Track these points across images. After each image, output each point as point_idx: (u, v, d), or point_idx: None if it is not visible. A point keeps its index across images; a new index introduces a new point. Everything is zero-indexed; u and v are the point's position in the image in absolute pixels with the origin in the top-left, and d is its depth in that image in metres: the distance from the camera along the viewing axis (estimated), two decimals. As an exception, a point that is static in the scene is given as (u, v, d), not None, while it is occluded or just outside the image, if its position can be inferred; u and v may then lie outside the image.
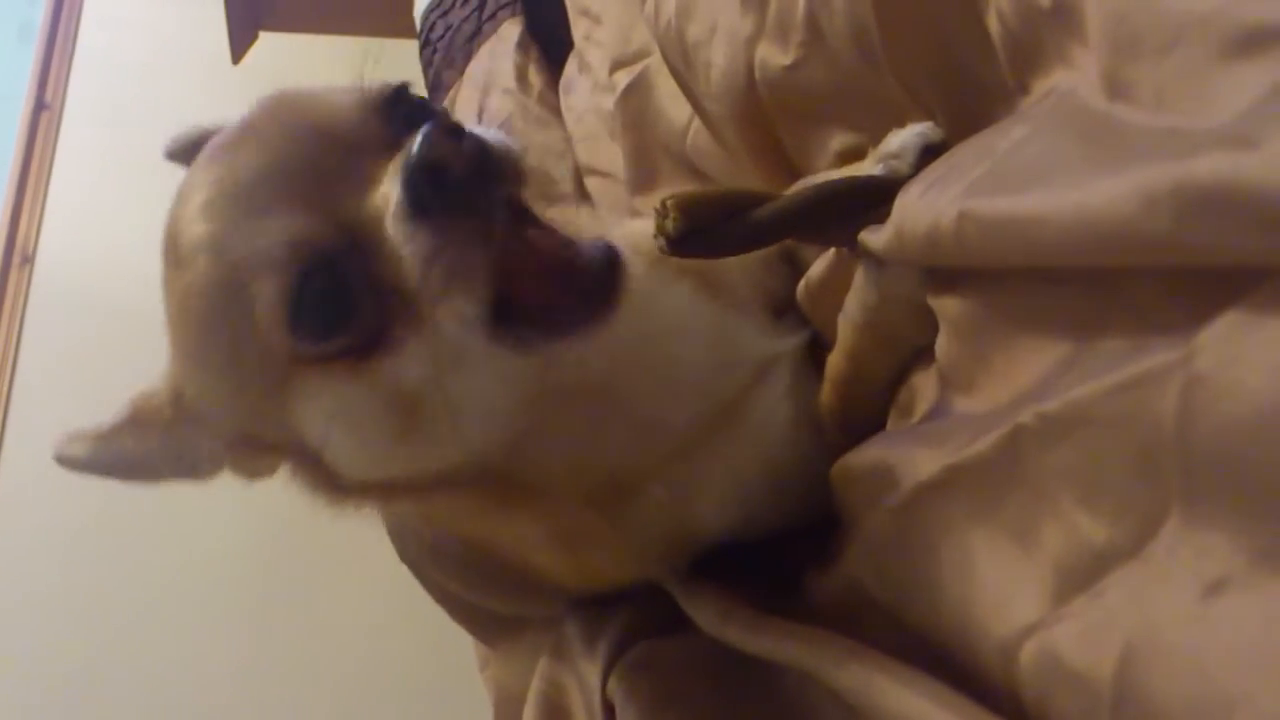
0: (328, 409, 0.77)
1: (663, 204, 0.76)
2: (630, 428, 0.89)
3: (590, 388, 0.84)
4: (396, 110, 0.78)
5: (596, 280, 0.74)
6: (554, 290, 0.74)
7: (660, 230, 0.76)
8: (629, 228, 1.02)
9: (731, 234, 0.78)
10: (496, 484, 0.86)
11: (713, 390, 0.92)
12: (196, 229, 0.75)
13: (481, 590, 1.19)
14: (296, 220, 0.72)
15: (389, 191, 0.71)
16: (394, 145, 0.73)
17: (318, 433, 0.79)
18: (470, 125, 0.73)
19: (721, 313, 0.94)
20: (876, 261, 0.77)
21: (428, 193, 0.69)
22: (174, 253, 0.77)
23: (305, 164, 0.74)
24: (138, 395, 0.87)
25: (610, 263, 0.74)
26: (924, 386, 0.77)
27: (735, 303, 0.97)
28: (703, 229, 0.76)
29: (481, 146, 0.71)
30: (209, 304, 0.76)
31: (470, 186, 0.70)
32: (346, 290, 0.72)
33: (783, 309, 0.99)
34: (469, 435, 0.79)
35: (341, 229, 0.72)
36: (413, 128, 0.72)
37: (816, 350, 0.94)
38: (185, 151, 0.90)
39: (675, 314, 0.91)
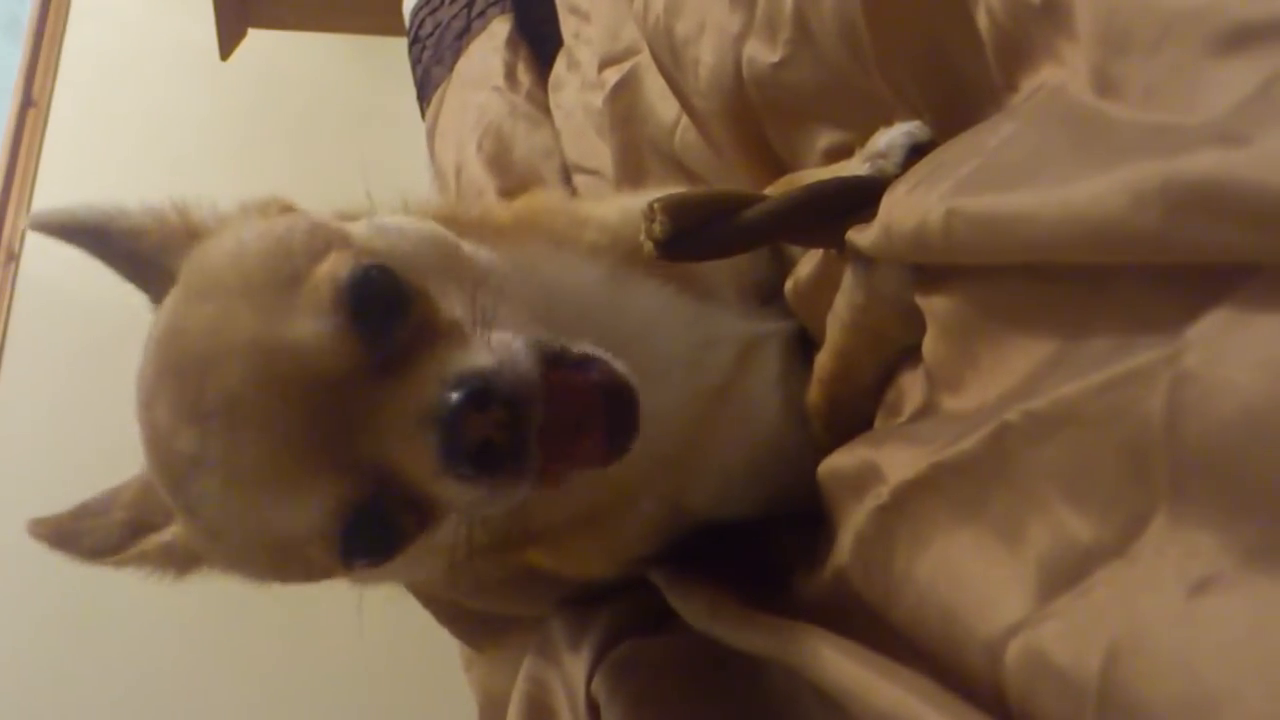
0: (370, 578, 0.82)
1: (650, 208, 0.76)
2: None
3: None
4: (368, 314, 0.72)
5: (618, 424, 0.75)
6: (581, 441, 0.74)
7: (648, 234, 0.76)
8: (610, 205, 1.02)
9: (719, 236, 0.78)
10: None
11: (697, 370, 0.93)
12: (221, 510, 0.74)
13: (470, 588, 1.18)
14: (327, 488, 0.71)
15: (416, 447, 0.69)
16: (380, 360, 0.71)
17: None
18: (484, 356, 0.71)
19: (695, 301, 0.95)
20: (865, 261, 0.76)
21: (468, 466, 0.68)
22: (196, 517, 0.77)
23: (307, 424, 0.70)
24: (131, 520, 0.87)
25: (629, 400, 0.75)
26: (911, 386, 0.77)
27: (711, 291, 0.97)
28: (690, 232, 0.76)
29: (510, 403, 0.69)
30: (252, 561, 0.79)
31: (506, 444, 0.69)
32: (392, 521, 0.74)
33: (768, 297, 0.99)
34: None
35: (368, 475, 0.71)
36: (386, 320, 0.72)
37: (807, 347, 0.95)
38: (51, 226, 0.85)
39: (649, 309, 0.92)
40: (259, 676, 2.88)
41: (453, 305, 0.75)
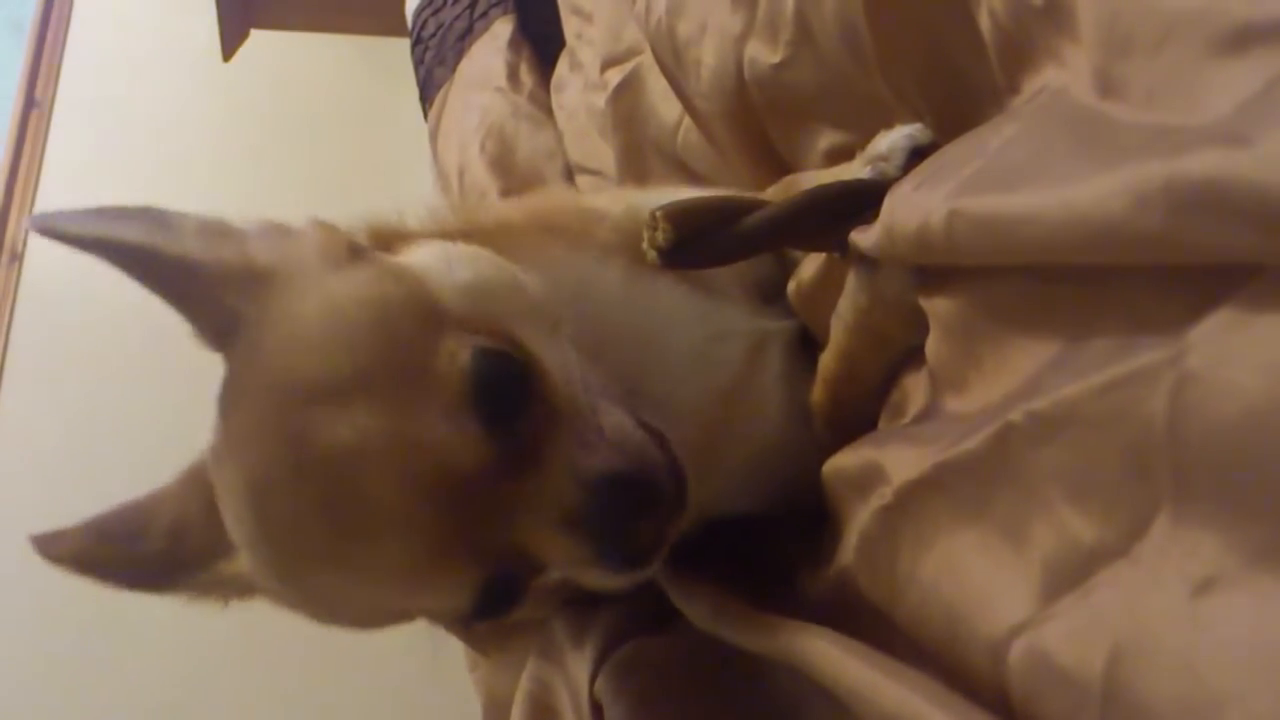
0: None
1: (652, 216, 0.76)
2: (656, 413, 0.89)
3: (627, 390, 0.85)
4: (496, 410, 0.72)
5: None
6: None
7: (651, 242, 0.76)
8: (617, 201, 1.02)
9: (722, 243, 0.78)
10: None
11: (711, 366, 0.93)
12: (344, 600, 0.76)
13: None
14: (463, 578, 0.73)
15: (557, 541, 0.72)
16: (509, 453, 0.71)
17: None
18: (615, 456, 0.73)
19: (705, 298, 0.95)
20: (869, 263, 0.76)
21: (621, 562, 0.73)
22: (305, 601, 0.78)
23: (445, 521, 0.70)
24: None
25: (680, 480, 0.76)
26: (915, 388, 0.77)
27: (717, 288, 0.98)
28: (693, 239, 0.76)
29: (655, 504, 0.73)
30: (365, 623, 0.80)
31: (652, 537, 0.74)
32: (518, 585, 0.77)
33: (770, 295, 0.99)
34: None
35: (501, 556, 0.73)
36: (513, 413, 0.72)
37: (810, 345, 0.95)
38: (89, 243, 0.78)
39: (664, 306, 0.92)
40: (265, 668, 2.88)
41: (550, 360, 0.76)
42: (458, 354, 0.71)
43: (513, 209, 1.02)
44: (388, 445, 0.68)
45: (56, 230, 0.78)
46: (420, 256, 0.80)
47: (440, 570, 0.72)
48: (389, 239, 0.85)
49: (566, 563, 0.73)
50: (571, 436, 0.73)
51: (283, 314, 0.75)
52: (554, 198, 1.05)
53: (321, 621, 0.78)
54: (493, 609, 0.76)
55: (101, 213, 0.78)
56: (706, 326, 0.93)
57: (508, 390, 0.72)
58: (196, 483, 0.82)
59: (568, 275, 0.89)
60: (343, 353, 0.71)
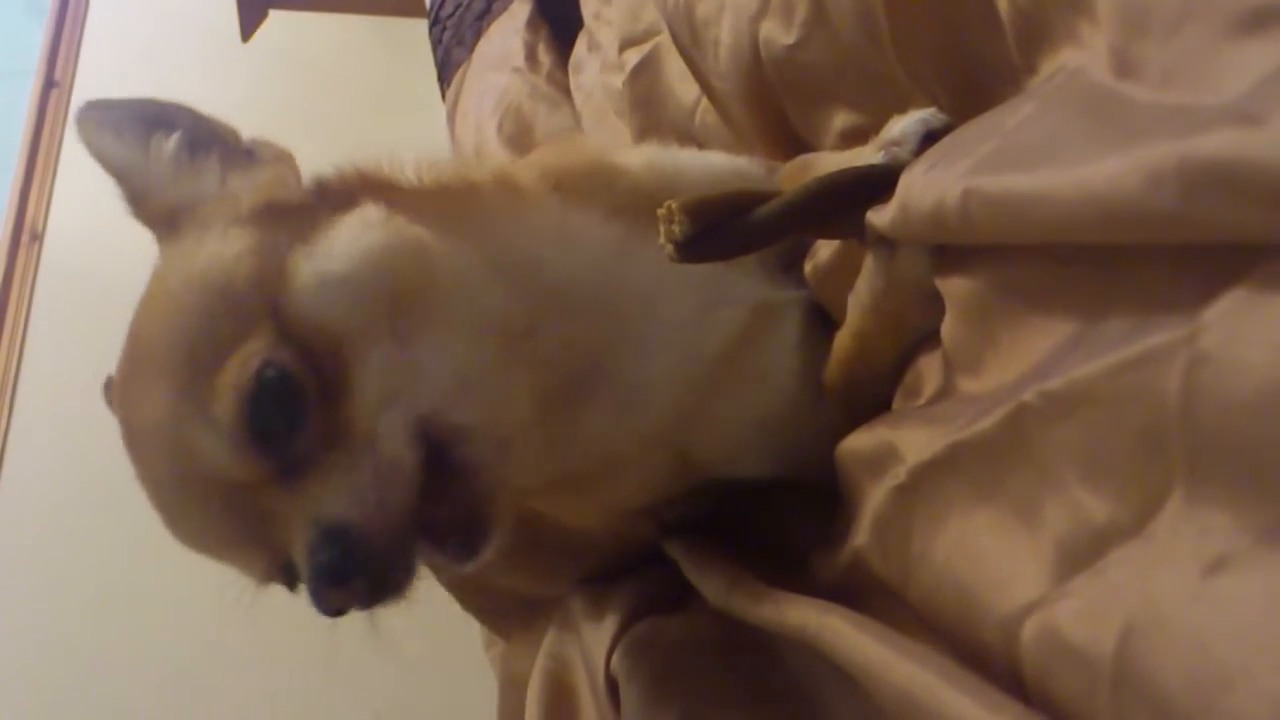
0: None
1: (668, 209, 0.76)
2: (616, 404, 0.92)
3: (578, 368, 0.89)
4: (267, 429, 0.77)
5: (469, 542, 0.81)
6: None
7: (667, 236, 0.76)
8: (637, 156, 1.03)
9: (738, 233, 0.77)
10: None
11: (700, 334, 0.94)
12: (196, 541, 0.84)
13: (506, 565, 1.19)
14: (257, 558, 0.82)
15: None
16: (281, 467, 0.77)
17: None
18: (353, 508, 0.76)
19: (710, 265, 0.95)
20: (887, 246, 0.76)
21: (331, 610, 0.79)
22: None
23: (223, 513, 0.80)
24: None
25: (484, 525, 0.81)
26: (930, 369, 0.77)
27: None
28: (710, 231, 0.76)
29: (368, 573, 0.76)
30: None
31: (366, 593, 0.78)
32: None
33: (788, 264, 0.99)
34: None
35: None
36: (287, 431, 0.77)
37: (828, 316, 0.95)
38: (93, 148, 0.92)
39: (655, 274, 0.92)
40: (275, 650, 2.90)
41: (368, 376, 0.78)
42: (247, 365, 0.76)
43: (522, 168, 1.02)
44: (170, 444, 0.78)
45: (84, 132, 0.90)
46: (337, 231, 0.83)
47: (234, 551, 0.83)
48: (363, 187, 0.89)
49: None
50: (341, 463, 0.77)
51: (158, 267, 0.85)
52: (574, 154, 1.03)
53: None
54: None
55: (122, 118, 0.90)
56: (702, 294, 0.94)
57: (284, 409, 0.76)
58: None
59: (542, 241, 0.91)
60: (164, 331, 0.81)
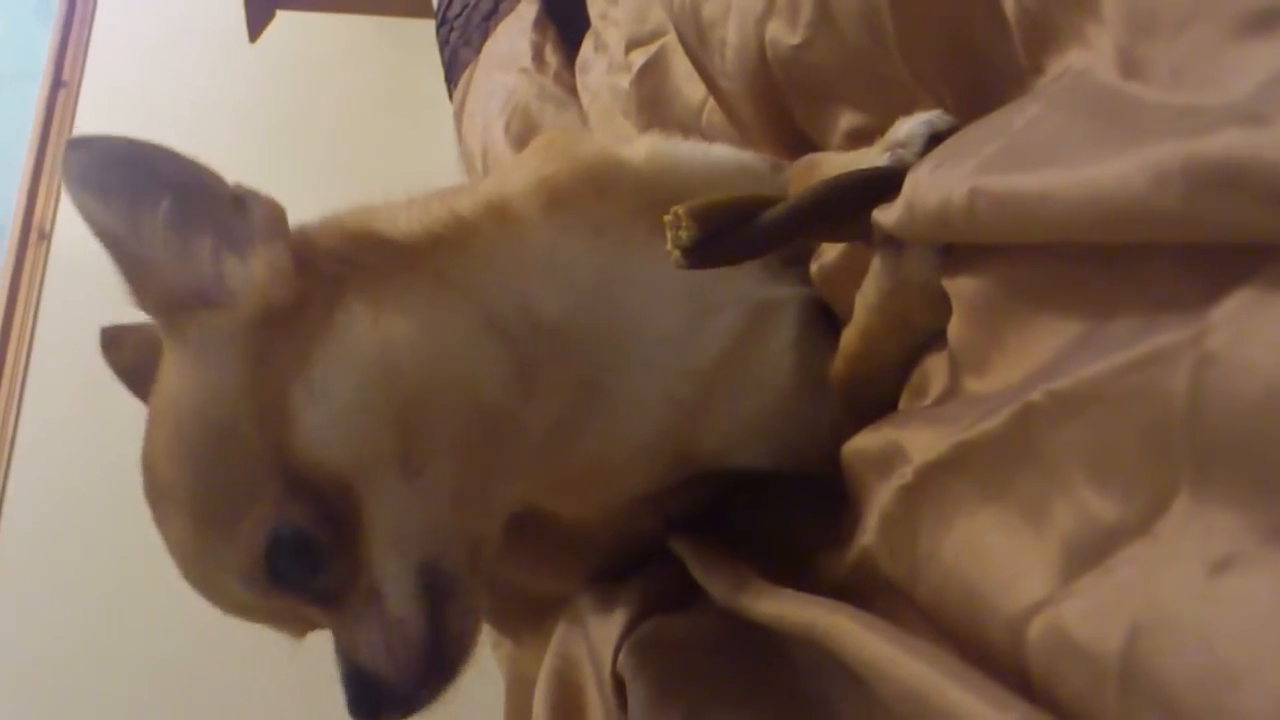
0: None
1: (674, 214, 0.76)
2: (611, 421, 0.93)
3: (575, 398, 0.91)
4: (287, 578, 0.81)
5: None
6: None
7: (675, 242, 0.76)
8: (639, 148, 1.03)
9: (745, 237, 0.77)
10: None
11: (689, 348, 0.94)
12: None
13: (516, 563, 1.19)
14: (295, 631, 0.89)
15: None
16: (305, 599, 0.83)
17: None
18: (375, 657, 0.82)
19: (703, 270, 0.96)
20: (894, 247, 0.77)
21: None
22: None
23: (265, 618, 0.87)
24: None
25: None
26: (936, 369, 0.77)
27: None
28: (717, 236, 0.76)
29: (402, 709, 0.83)
30: None
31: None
32: None
33: (790, 260, 0.99)
34: None
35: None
36: (307, 576, 0.81)
37: (830, 313, 0.95)
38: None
39: (644, 288, 0.93)
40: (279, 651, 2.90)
41: (384, 516, 0.81)
42: (261, 526, 0.79)
43: (516, 180, 0.99)
44: (198, 571, 0.84)
45: (69, 181, 0.87)
46: (330, 353, 0.82)
47: (271, 626, 0.88)
48: (361, 251, 0.88)
49: None
50: (357, 609, 0.82)
51: (166, 383, 0.86)
52: (568, 159, 1.01)
53: None
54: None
55: (106, 170, 0.87)
56: (695, 303, 0.94)
57: (302, 563, 0.80)
58: None
59: (539, 277, 0.91)
60: (177, 470, 0.83)
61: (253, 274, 0.84)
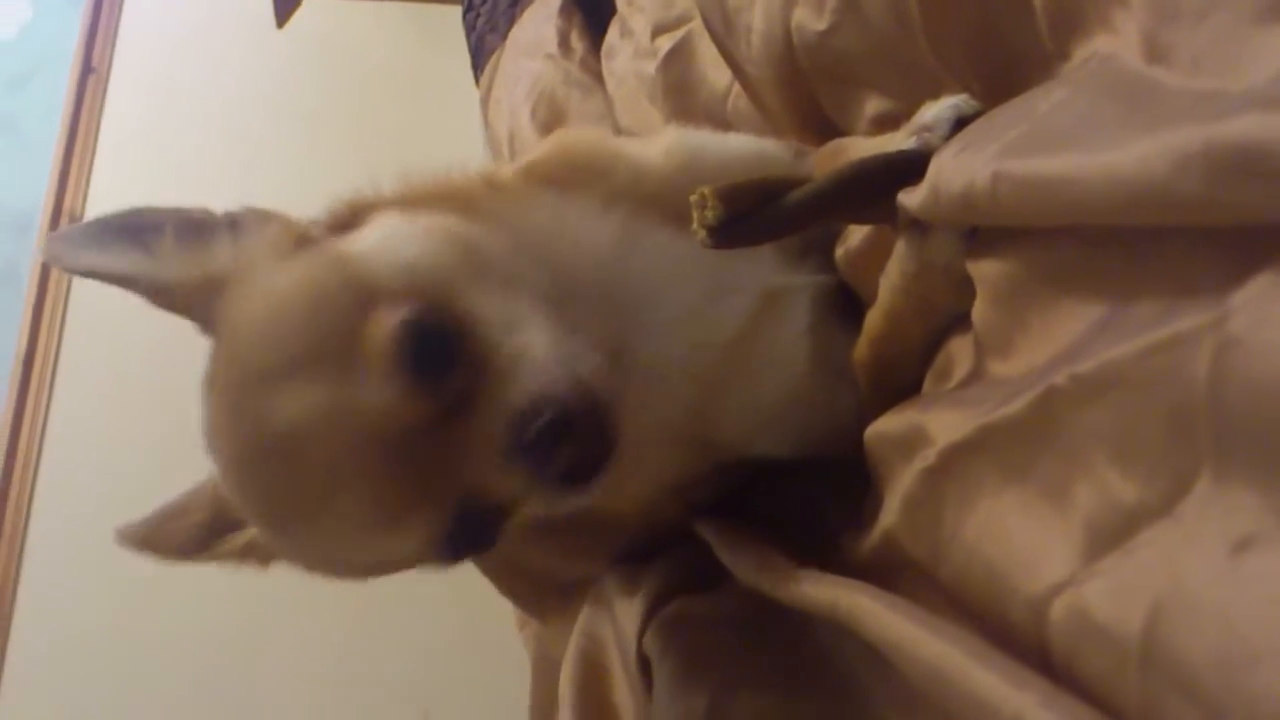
0: None
1: (700, 195, 0.76)
2: (637, 390, 0.92)
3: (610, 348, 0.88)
4: (427, 368, 0.78)
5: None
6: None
7: (701, 222, 0.76)
8: (655, 146, 1.04)
9: (770, 219, 0.78)
10: None
11: (705, 322, 0.95)
12: (323, 553, 0.85)
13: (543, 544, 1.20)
14: (423, 521, 0.80)
15: (503, 476, 0.78)
16: (447, 405, 0.78)
17: None
18: (544, 379, 0.78)
19: (714, 255, 0.96)
20: (919, 230, 0.77)
21: (559, 484, 0.79)
22: (298, 553, 0.87)
23: (398, 474, 0.78)
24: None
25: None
26: (961, 352, 0.78)
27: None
28: (742, 216, 0.77)
29: (584, 424, 0.78)
30: (349, 576, 0.87)
31: (590, 455, 0.79)
32: (485, 522, 0.83)
33: (806, 250, 1.00)
34: None
35: (459, 501, 0.80)
36: (445, 368, 0.78)
37: (846, 300, 0.96)
38: (78, 269, 0.90)
39: (659, 263, 0.94)
40: (311, 628, 2.92)
41: (488, 313, 0.81)
42: (385, 323, 0.77)
43: (507, 168, 1.03)
44: (330, 413, 0.77)
45: (61, 263, 0.89)
46: (368, 236, 0.86)
47: (400, 519, 0.79)
48: (360, 211, 0.90)
49: (512, 494, 0.80)
50: (501, 381, 0.78)
51: (235, 312, 0.83)
52: (560, 146, 1.03)
53: (322, 574, 0.87)
54: (467, 547, 0.84)
55: (94, 236, 0.88)
56: (709, 282, 0.95)
57: (436, 349, 0.78)
58: None
59: (546, 232, 0.93)
60: (283, 339, 0.80)
61: (269, 232, 0.89)
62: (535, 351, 0.79)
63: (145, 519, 0.97)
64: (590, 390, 0.78)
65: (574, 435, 0.77)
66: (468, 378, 0.78)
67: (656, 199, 0.94)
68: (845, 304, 0.96)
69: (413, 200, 0.92)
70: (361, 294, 0.79)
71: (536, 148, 1.09)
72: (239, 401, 0.80)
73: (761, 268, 0.97)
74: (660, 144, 1.02)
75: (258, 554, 0.94)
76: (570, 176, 0.97)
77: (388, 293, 0.79)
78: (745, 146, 1.08)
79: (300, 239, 0.88)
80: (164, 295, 0.88)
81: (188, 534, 0.95)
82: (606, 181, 0.97)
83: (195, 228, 0.88)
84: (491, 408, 0.78)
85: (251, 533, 0.92)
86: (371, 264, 0.82)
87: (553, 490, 0.78)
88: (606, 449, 0.79)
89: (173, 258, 0.87)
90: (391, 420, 0.76)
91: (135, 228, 0.88)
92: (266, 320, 0.81)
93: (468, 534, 0.82)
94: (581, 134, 1.17)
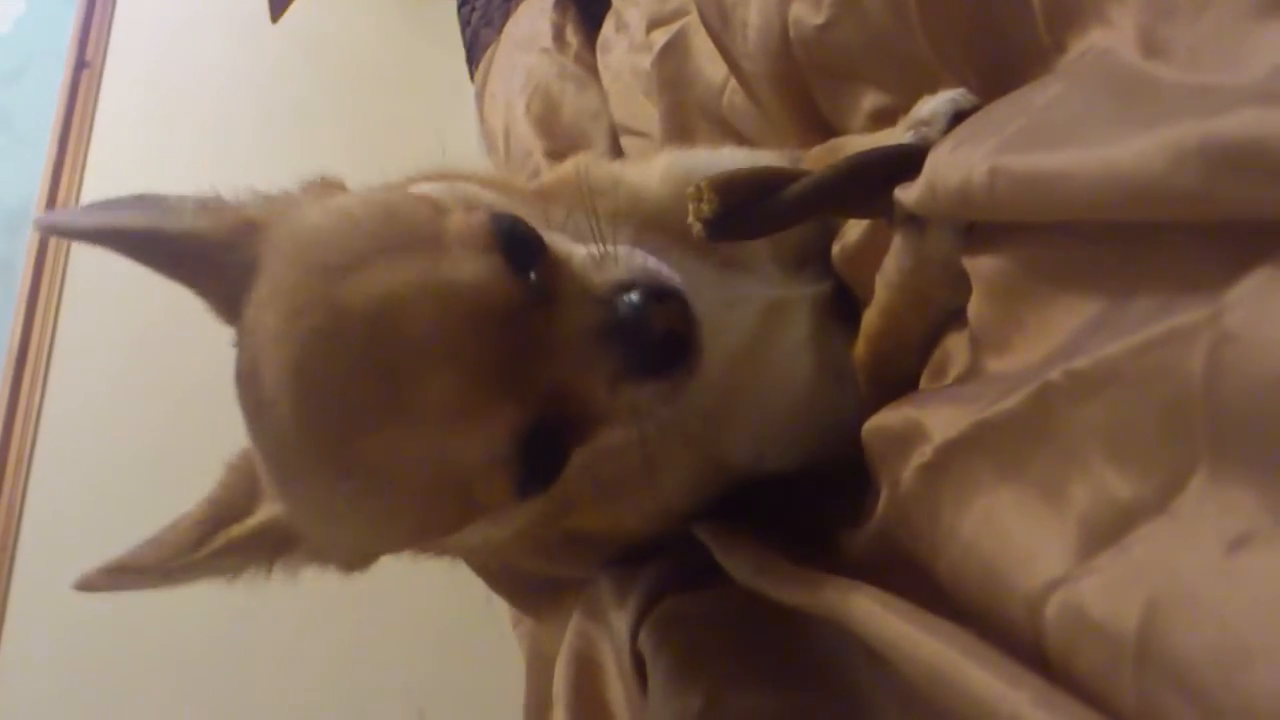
0: (509, 524, 0.88)
1: (696, 187, 0.76)
2: None
3: None
4: (516, 253, 0.77)
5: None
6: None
7: (696, 214, 0.76)
8: (653, 168, 1.04)
9: (767, 212, 0.78)
10: None
11: (720, 328, 0.94)
12: (393, 459, 0.74)
13: (530, 550, 1.19)
14: (507, 415, 0.74)
15: (590, 363, 0.76)
16: (532, 293, 0.76)
17: (478, 538, 0.90)
18: (628, 267, 0.79)
19: (715, 269, 0.96)
20: (916, 225, 0.77)
21: (653, 363, 0.77)
22: (345, 478, 0.75)
23: (487, 356, 0.73)
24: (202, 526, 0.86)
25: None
26: (957, 349, 0.78)
27: (734, 259, 0.99)
28: (739, 209, 0.76)
29: (679, 294, 0.79)
30: (396, 519, 0.79)
31: (684, 333, 0.78)
32: (560, 441, 0.79)
33: (803, 260, 1.00)
34: None
35: (540, 397, 0.75)
36: (531, 259, 0.77)
37: (845, 307, 0.95)
38: (97, 235, 0.84)
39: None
40: (307, 626, 2.92)
41: (552, 239, 0.81)
42: (469, 218, 0.77)
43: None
44: (421, 287, 0.73)
45: (62, 228, 0.87)
46: (420, 187, 0.84)
47: (484, 408, 0.74)
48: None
49: (599, 388, 0.76)
50: (584, 276, 0.78)
51: (290, 232, 0.80)
52: (580, 165, 1.03)
53: (354, 528, 0.81)
54: (538, 471, 0.78)
55: (103, 204, 0.84)
56: (712, 296, 0.94)
57: (520, 242, 0.77)
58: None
59: None
60: (362, 232, 0.76)
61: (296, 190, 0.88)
62: (620, 253, 0.80)
63: (110, 562, 0.89)
64: (671, 279, 0.79)
65: (665, 308, 0.76)
66: (551, 276, 0.78)
67: (656, 222, 0.94)
68: (843, 309, 0.96)
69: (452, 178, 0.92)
70: (432, 206, 0.79)
71: (551, 171, 1.09)
72: (310, 295, 0.74)
73: (760, 280, 0.97)
74: (656, 168, 1.02)
75: (266, 543, 0.85)
76: (571, 194, 0.97)
77: (459, 207, 0.79)
78: (739, 161, 1.08)
79: (333, 188, 0.87)
80: (190, 248, 0.82)
81: (176, 544, 0.85)
82: (605, 200, 0.96)
83: (215, 203, 0.86)
84: (578, 298, 0.77)
85: (261, 516, 0.84)
86: (437, 191, 0.82)
87: (644, 375, 0.76)
88: (694, 328, 0.78)
89: (197, 216, 0.83)
90: (484, 296, 0.74)
91: (144, 201, 0.85)
92: (339, 222, 0.78)
93: (543, 448, 0.77)
94: (588, 159, 1.16)
